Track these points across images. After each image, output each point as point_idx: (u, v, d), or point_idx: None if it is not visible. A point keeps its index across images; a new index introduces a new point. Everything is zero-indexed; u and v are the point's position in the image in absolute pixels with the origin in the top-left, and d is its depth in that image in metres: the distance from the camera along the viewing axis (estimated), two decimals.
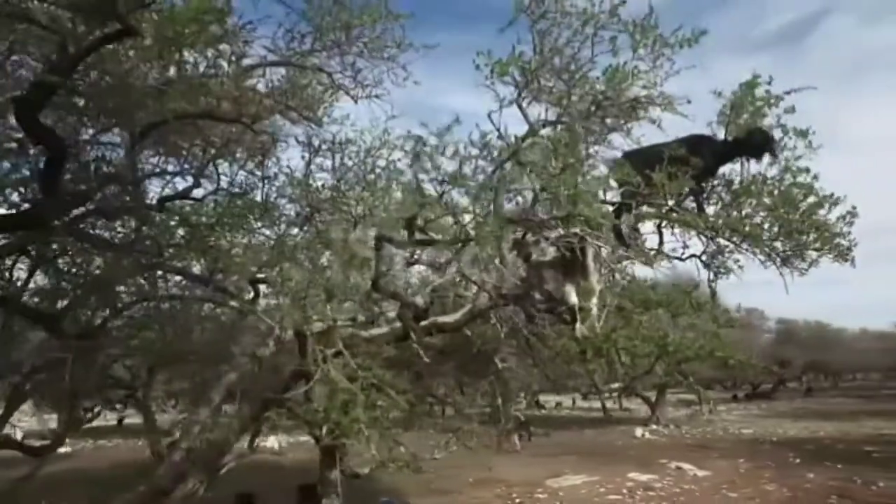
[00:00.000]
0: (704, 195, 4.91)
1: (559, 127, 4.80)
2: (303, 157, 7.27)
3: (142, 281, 6.80)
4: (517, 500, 12.70)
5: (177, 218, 7.51)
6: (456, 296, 4.90)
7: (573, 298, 3.87)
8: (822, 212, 4.83)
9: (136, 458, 18.74)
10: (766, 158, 4.97)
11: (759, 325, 39.58)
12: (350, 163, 7.36)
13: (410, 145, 4.83)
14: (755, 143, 4.64)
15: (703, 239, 5.14)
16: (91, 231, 7.02)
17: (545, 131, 4.97)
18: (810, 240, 4.85)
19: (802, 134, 4.86)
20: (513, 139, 4.80)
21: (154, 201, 7.44)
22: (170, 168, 8.07)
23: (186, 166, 8.09)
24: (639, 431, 22.21)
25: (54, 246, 6.17)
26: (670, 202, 4.78)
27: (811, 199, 4.76)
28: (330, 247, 5.11)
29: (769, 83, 4.93)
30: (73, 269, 6.82)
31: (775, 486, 12.63)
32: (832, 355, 39.61)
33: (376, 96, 5.95)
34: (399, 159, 7.48)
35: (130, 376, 10.80)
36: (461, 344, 5.23)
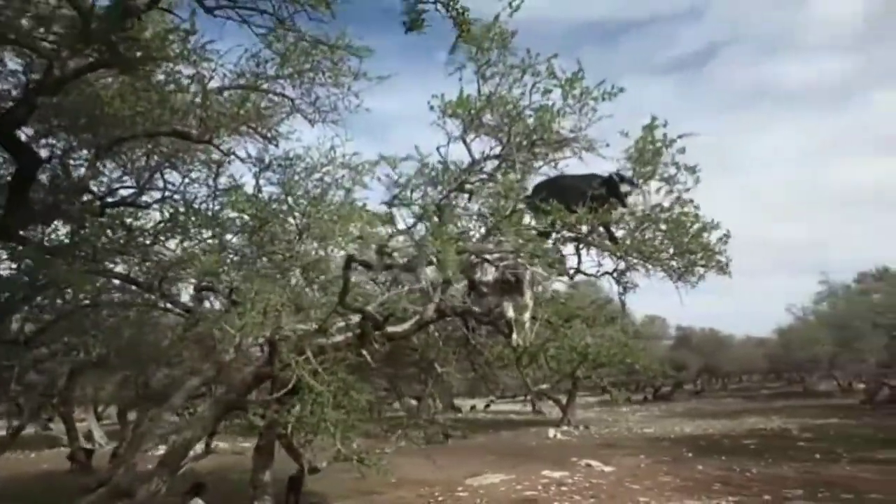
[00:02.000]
0: (614, 222, 5.76)
1: (501, 163, 5.52)
2: (251, 171, 7.56)
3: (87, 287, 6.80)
4: (440, 499, 13.27)
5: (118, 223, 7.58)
6: (403, 308, 5.45)
7: (510, 313, 4.56)
8: (705, 235, 5.83)
9: (27, 472, 17.59)
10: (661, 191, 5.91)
11: (660, 332, 42.85)
12: (297, 178, 7.73)
13: (365, 169, 5.39)
14: (614, 189, 5.45)
15: (614, 259, 6.03)
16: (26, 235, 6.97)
17: (488, 165, 5.69)
18: (698, 258, 5.85)
19: (691, 170, 5.85)
20: (455, 168, 5.49)
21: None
22: (109, 173, 8.09)
23: (128, 171, 8.15)
24: (551, 432, 23.49)
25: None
26: (585, 228, 5.61)
27: (698, 225, 5.74)
28: (301, 266, 5.50)
29: (665, 125, 5.88)
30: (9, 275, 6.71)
31: (670, 477, 14.07)
32: (722, 359, 43.53)
33: (333, 121, 6.43)
34: (343, 176, 7.97)
35: (51, 382, 10.41)
36: (403, 351, 5.78)
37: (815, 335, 27.21)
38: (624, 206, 5.43)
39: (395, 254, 4.98)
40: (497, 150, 5.70)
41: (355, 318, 5.09)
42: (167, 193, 7.72)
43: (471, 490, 13.91)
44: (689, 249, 5.67)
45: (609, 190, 5.33)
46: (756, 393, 44.04)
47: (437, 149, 5.42)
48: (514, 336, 4.54)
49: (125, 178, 8.07)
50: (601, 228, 5.75)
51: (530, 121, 6.00)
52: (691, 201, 5.84)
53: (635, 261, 5.75)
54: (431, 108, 5.13)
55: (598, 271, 6.06)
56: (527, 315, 4.61)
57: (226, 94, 6.18)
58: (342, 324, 5.42)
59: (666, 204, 5.98)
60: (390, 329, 5.06)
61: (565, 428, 25.73)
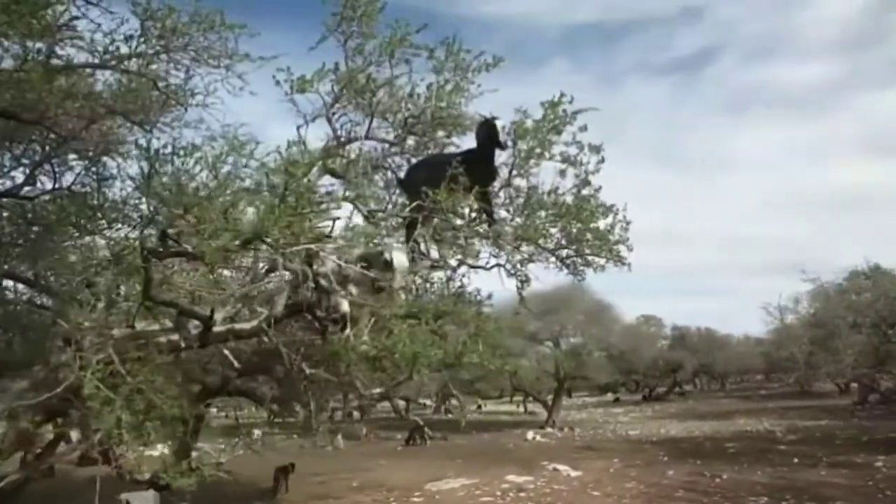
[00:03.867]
0: (495, 205, 5.22)
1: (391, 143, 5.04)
2: (138, 161, 7.13)
3: None
4: None
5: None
6: (265, 302, 5.01)
7: (345, 307, 4.08)
8: (602, 221, 5.27)
9: None
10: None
11: (655, 332, 42.17)
12: (197, 168, 7.29)
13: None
14: (482, 136, 4.92)
15: (505, 250, 5.49)
16: None
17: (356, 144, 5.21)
18: (593, 246, 5.30)
19: (595, 149, 5.30)
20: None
21: None
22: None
23: (26, 161, 7.79)
24: (530, 434, 22.98)
25: None
26: (468, 213, 5.10)
27: (590, 209, 5.18)
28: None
29: (570, 102, 5.31)
30: None
31: (635, 483, 13.46)
32: (719, 359, 42.78)
33: (205, 105, 5.96)
34: (246, 165, 7.52)
35: None
36: (274, 350, 5.33)
37: (795, 334, 26.56)
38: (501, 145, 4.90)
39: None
40: (363, 129, 5.22)
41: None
42: (57, 185, 7.32)
43: (427, 495, 13.44)
44: (577, 238, 5.14)
45: (486, 138, 4.81)
46: (753, 393, 43.13)
47: (298, 128, 4.96)
48: (347, 332, 4.07)
49: (20, 167, 7.73)
50: (484, 214, 5.26)
51: (418, 101, 5.52)
52: (590, 184, 5.32)
53: (518, 252, 5.24)
54: (277, 82, 4.67)
55: (487, 263, 5.56)
56: (365, 310, 4.13)
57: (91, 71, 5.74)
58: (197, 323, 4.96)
59: (568, 186, 5.47)
60: (236, 326, 4.60)
61: (549, 430, 25.18)
